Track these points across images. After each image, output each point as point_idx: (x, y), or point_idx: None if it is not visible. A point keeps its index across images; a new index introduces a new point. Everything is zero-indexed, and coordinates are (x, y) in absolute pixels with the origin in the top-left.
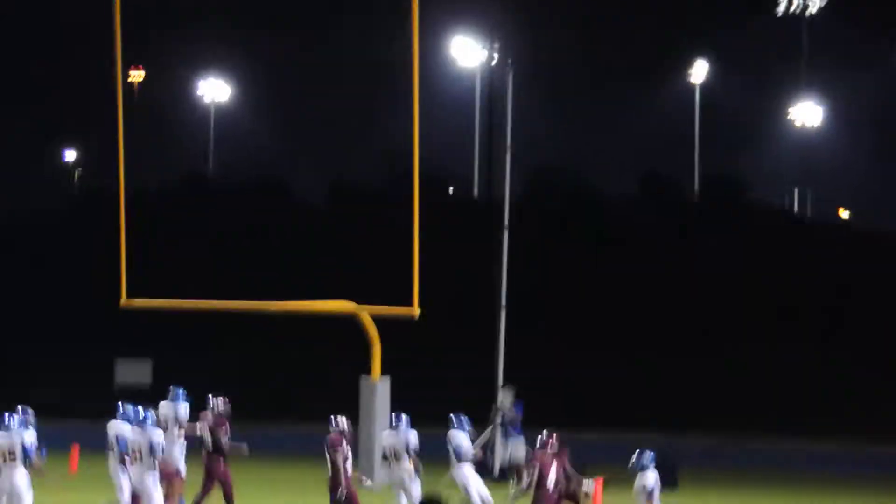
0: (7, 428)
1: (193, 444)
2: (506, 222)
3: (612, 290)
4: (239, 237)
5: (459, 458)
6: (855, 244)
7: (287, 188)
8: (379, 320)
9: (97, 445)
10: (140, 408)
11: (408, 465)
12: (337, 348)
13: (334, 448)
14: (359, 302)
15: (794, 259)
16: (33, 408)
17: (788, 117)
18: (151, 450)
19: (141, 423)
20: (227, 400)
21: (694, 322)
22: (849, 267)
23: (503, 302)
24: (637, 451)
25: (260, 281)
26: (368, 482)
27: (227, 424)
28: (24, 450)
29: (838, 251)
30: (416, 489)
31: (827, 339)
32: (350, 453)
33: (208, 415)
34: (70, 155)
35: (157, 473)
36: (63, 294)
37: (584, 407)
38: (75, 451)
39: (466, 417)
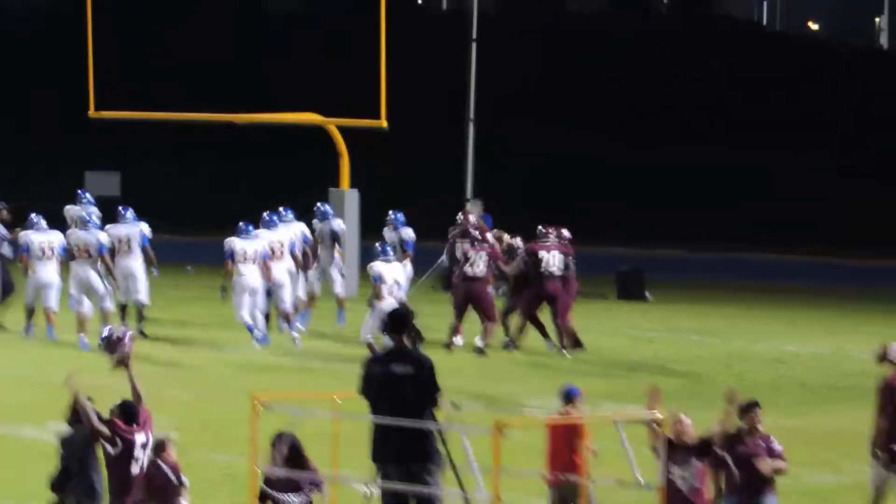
0: (125, 220)
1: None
2: (474, 34)
3: (580, 104)
4: (208, 47)
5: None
6: (823, 56)
7: None
8: (347, 133)
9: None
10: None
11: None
12: (305, 162)
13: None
14: (326, 114)
15: (764, 72)
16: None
17: None
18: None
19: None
20: None
21: (665, 130)
22: (817, 79)
23: (471, 115)
24: None
25: (228, 92)
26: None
27: None
28: (142, 240)
29: (807, 63)
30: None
31: (796, 149)
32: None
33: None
34: None
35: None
36: (33, 105)
37: (553, 220)
38: None
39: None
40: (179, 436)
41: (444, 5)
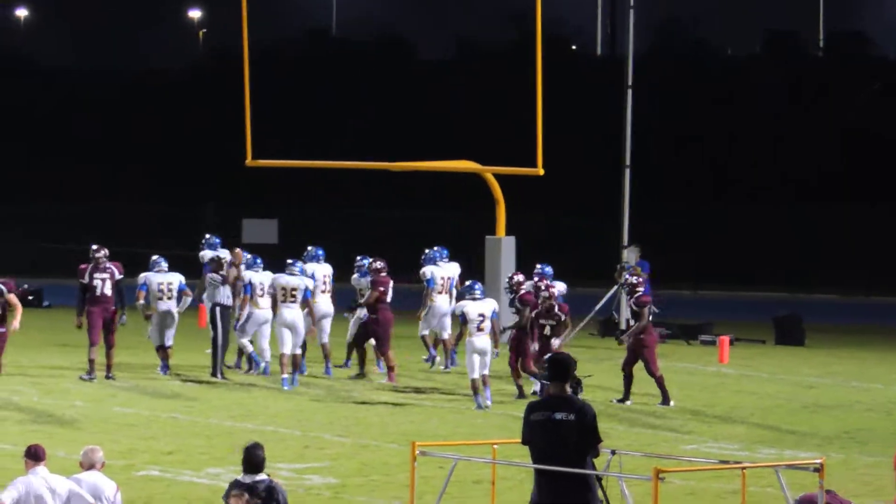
0: (294, 271)
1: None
2: (629, 82)
3: (737, 150)
4: (363, 95)
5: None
6: None
7: (412, 46)
8: (503, 180)
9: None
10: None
11: None
12: (461, 209)
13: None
14: (483, 162)
15: None
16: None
17: None
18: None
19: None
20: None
21: (821, 179)
22: None
23: (628, 161)
24: None
25: (383, 140)
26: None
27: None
28: (305, 292)
29: None
30: None
31: None
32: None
33: None
34: (194, 14)
35: None
36: (190, 154)
37: (709, 264)
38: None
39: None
40: (337, 480)
41: (599, 50)
